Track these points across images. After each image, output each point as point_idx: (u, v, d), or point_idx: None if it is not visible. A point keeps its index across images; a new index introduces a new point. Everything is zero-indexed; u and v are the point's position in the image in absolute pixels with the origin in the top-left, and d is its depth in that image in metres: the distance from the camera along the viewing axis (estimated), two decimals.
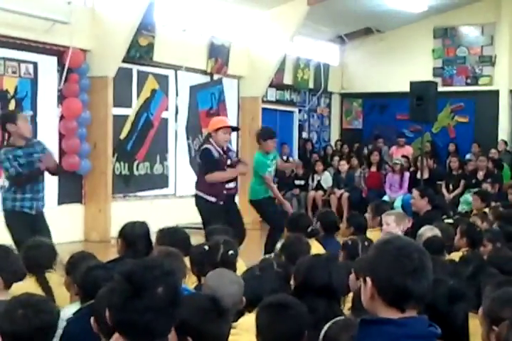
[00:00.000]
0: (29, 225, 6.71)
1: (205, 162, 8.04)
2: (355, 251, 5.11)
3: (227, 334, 2.98)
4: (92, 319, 3.00)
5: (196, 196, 8.16)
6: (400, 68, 16.74)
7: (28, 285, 4.23)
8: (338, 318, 3.01)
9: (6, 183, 7.13)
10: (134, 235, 5.01)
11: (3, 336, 3.02)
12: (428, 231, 5.98)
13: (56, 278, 4.57)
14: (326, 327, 2.78)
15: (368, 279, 2.35)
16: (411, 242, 2.43)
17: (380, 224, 6.95)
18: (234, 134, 14.47)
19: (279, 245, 5.69)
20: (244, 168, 8.24)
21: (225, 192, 8.10)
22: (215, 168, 7.97)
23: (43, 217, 7.08)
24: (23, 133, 7.00)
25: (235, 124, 8.26)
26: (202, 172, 8.11)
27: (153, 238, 5.20)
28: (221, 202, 8.04)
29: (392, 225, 6.56)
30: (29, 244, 4.74)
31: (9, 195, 6.90)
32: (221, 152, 8.05)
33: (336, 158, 15.76)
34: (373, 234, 6.41)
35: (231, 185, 8.21)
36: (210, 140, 8.11)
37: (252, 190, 9.24)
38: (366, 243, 5.11)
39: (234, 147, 14.33)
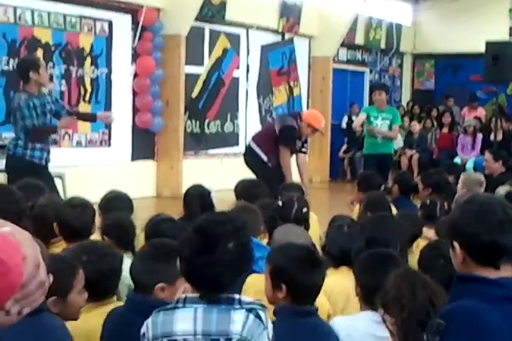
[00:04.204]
0: (34, 176, 5.79)
1: (290, 139, 8.19)
2: (433, 211, 5.08)
3: (320, 286, 3.02)
4: None
5: (251, 151, 8.27)
6: (475, 28, 16.33)
7: None
8: None
9: (19, 134, 6.83)
10: (187, 196, 5.23)
11: None
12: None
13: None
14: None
15: (455, 243, 2.28)
16: (491, 196, 2.38)
17: None
18: (304, 93, 14.54)
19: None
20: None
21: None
22: (292, 149, 8.18)
23: (48, 170, 6.92)
24: (44, 83, 6.90)
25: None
26: (274, 140, 8.20)
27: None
28: (269, 165, 8.16)
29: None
30: (109, 196, 4.82)
31: (21, 142, 6.71)
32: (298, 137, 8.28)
33: (407, 119, 15.61)
34: None
35: None
36: (299, 123, 8.18)
37: None
38: (445, 203, 5.07)
39: (304, 106, 14.37)
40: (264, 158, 8.13)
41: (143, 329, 2.45)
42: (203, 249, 2.37)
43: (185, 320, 2.38)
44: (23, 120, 6.67)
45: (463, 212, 2.31)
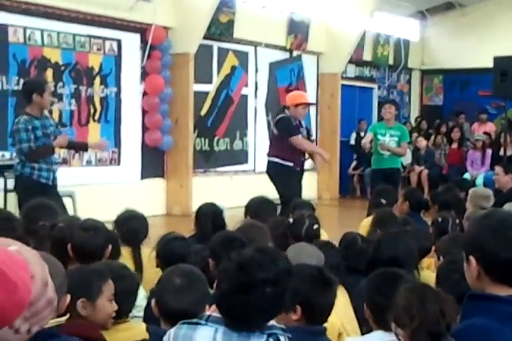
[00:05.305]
0: (42, 196, 5.71)
1: (287, 127, 8.13)
2: (444, 228, 5.07)
3: (332, 305, 3.01)
4: (153, 301, 2.99)
5: (270, 163, 8.30)
6: (483, 43, 16.35)
7: (122, 257, 4.27)
8: None
9: (18, 156, 6.89)
10: (200, 215, 5.21)
11: None
12: None
13: (146, 252, 4.59)
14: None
15: (472, 258, 2.23)
16: (509, 213, 2.35)
17: None
18: (313, 110, 14.56)
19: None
20: (325, 155, 8.44)
21: (302, 159, 8.24)
22: (297, 133, 8.13)
23: (57, 190, 6.96)
24: (45, 107, 6.94)
25: (312, 100, 8.62)
26: (279, 139, 8.21)
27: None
28: (297, 168, 8.16)
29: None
30: (126, 215, 4.79)
31: (28, 162, 6.73)
32: (297, 123, 8.24)
33: (415, 135, 15.59)
34: None
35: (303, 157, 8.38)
36: (286, 112, 8.24)
37: None
38: (457, 220, 5.06)
39: (313, 122, 14.38)
40: (282, 161, 8.13)
41: (165, 338, 2.45)
42: (240, 288, 2.34)
43: (205, 338, 2.36)
44: (20, 143, 6.72)
45: (481, 227, 2.27)
